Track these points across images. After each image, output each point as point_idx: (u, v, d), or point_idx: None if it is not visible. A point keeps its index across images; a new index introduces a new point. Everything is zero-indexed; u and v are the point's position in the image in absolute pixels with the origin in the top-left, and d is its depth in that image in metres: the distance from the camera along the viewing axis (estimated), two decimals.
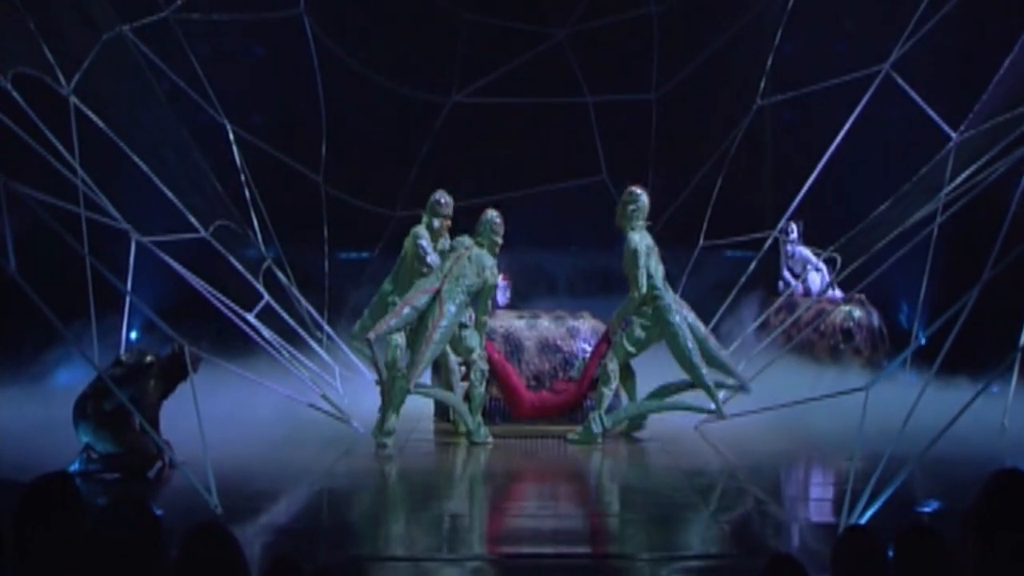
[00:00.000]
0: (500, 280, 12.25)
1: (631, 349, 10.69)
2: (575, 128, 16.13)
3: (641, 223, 10.73)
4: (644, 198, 10.81)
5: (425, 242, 11.14)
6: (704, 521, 7.76)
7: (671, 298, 10.74)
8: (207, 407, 8.11)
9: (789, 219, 14.24)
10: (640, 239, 10.64)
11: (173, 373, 8.92)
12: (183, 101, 13.13)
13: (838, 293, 13.86)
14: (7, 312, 10.65)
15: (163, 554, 3.64)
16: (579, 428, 10.68)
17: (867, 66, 12.57)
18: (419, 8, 15.55)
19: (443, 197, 11.38)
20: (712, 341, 10.97)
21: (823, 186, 12.96)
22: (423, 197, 11.61)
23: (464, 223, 11.32)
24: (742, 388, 10.80)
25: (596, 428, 10.53)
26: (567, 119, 16.18)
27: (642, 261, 10.57)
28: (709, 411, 10.76)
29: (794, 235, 14.91)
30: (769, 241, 13.59)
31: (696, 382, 10.70)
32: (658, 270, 10.68)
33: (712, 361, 10.75)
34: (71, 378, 12.09)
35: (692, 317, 10.82)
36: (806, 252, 14.76)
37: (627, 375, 10.92)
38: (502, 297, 12.55)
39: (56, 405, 10.13)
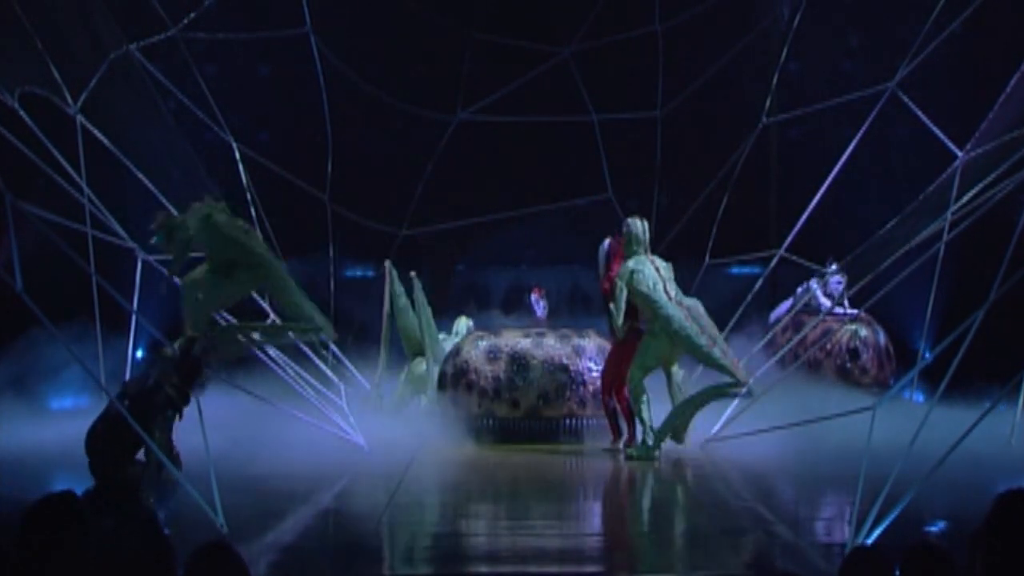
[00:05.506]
0: (534, 295, 12.25)
1: (651, 363, 10.87)
2: (580, 146, 16.12)
3: (639, 250, 10.93)
4: (632, 225, 11.00)
5: None
6: (711, 541, 7.73)
7: (672, 308, 10.75)
8: (212, 425, 8.09)
9: (832, 261, 14.03)
10: (635, 265, 10.82)
11: (187, 379, 8.64)
12: (189, 119, 13.17)
13: (851, 310, 13.75)
14: (7, 330, 10.67)
15: (170, 573, 3.64)
16: (636, 446, 10.84)
17: (873, 84, 12.58)
18: (424, 27, 15.57)
19: None
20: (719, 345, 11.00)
21: (829, 204, 12.94)
22: (428, 215, 11.60)
23: (469, 240, 11.35)
24: (747, 392, 10.80)
25: (650, 441, 10.72)
26: (572, 137, 16.17)
27: (618, 292, 10.78)
28: (731, 385, 10.72)
29: (837, 281, 14.14)
30: (775, 260, 13.54)
31: (707, 363, 10.78)
32: (656, 290, 10.74)
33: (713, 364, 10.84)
34: (71, 402, 12.10)
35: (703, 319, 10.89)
36: (814, 284, 14.35)
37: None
38: (539, 310, 12.50)
39: (55, 426, 10.13)
